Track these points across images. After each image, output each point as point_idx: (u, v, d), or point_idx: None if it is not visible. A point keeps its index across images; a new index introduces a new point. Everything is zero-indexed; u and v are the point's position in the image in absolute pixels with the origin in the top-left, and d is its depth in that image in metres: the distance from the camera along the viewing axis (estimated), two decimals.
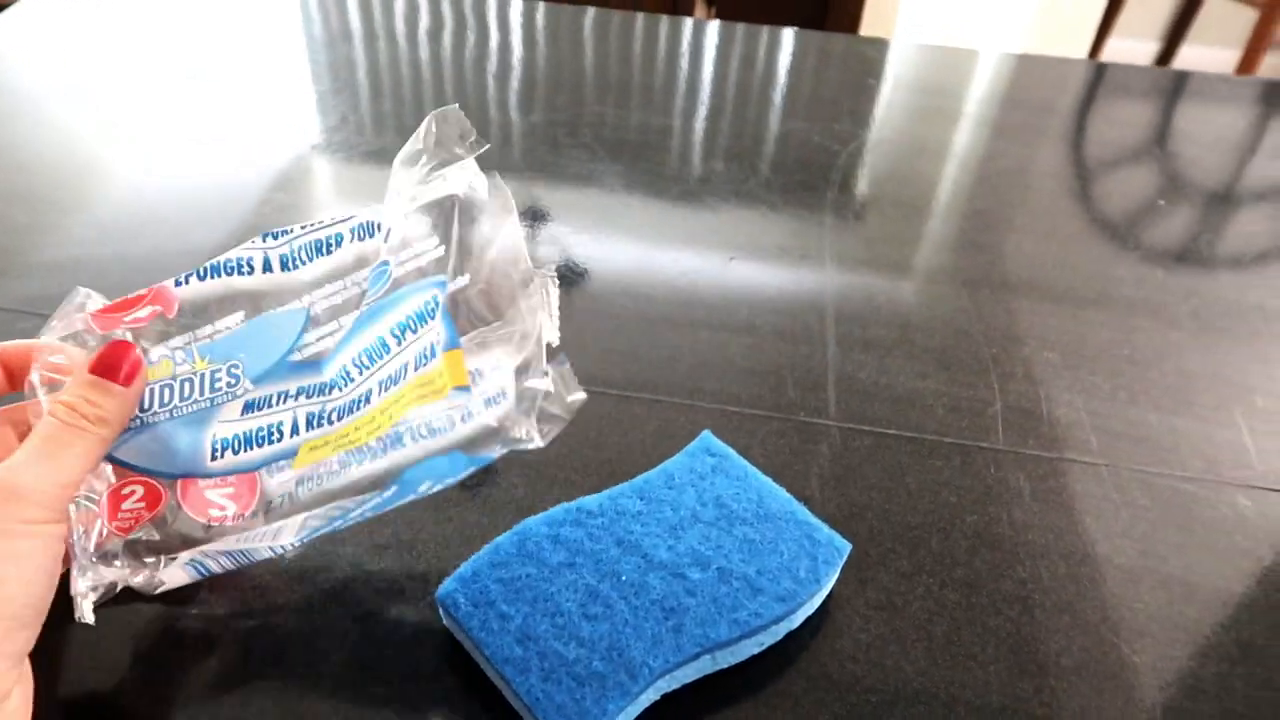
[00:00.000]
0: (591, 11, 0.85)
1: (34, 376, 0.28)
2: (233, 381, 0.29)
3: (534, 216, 0.57)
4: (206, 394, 0.29)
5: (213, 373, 0.29)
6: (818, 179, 0.63)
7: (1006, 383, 0.47)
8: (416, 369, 0.32)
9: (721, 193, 0.61)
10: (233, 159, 0.62)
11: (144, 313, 0.29)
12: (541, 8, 0.86)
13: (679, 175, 0.62)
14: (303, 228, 0.31)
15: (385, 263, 0.31)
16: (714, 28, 0.84)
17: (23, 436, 0.30)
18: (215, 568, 0.31)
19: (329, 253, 0.31)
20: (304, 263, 0.31)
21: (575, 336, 0.40)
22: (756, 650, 0.33)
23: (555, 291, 0.34)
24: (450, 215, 0.33)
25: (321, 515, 0.32)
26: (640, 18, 0.85)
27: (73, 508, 0.28)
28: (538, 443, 0.35)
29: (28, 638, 0.26)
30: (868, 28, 1.82)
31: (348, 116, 0.67)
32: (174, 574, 0.31)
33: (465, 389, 0.34)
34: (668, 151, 0.65)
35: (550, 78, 0.74)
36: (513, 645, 0.31)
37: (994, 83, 0.79)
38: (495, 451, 0.34)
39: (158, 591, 0.31)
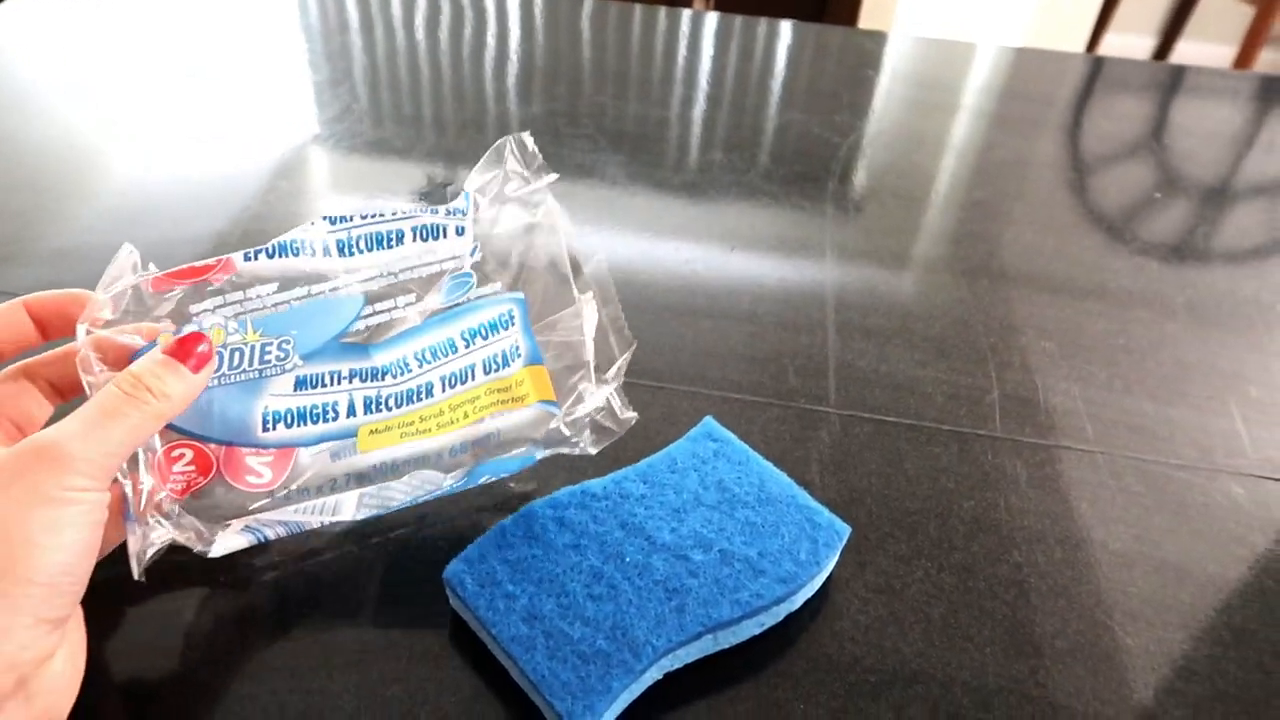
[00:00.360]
0: (589, 2, 0.86)
1: (81, 332, 0.29)
2: (282, 355, 0.31)
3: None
4: (256, 364, 0.30)
5: (263, 345, 0.31)
6: (818, 170, 0.63)
7: (1004, 371, 0.47)
8: (487, 373, 0.34)
9: (722, 183, 0.61)
10: (233, 152, 0.62)
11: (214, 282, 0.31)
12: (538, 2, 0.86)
13: (679, 166, 0.63)
14: (363, 217, 0.32)
15: (469, 274, 0.34)
16: (713, 19, 0.84)
17: (47, 390, 0.32)
18: (271, 535, 0.32)
19: (389, 247, 0.33)
20: (361, 251, 0.32)
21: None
22: (758, 630, 0.34)
23: (593, 315, 0.36)
24: (525, 240, 0.35)
25: (377, 496, 0.33)
26: (638, 9, 0.85)
27: (125, 467, 0.29)
28: (590, 451, 0.36)
29: (66, 603, 0.26)
30: (866, 21, 1.83)
31: (350, 106, 0.67)
32: (232, 539, 0.31)
33: (554, 404, 0.35)
34: (667, 142, 0.66)
35: (549, 68, 0.75)
36: (519, 624, 0.31)
37: (992, 76, 0.79)
38: (544, 451, 0.36)
39: (212, 555, 0.31)
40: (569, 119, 0.67)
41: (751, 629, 0.33)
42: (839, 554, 0.36)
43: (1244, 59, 2.25)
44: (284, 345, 0.31)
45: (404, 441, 0.33)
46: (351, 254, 0.32)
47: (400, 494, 0.33)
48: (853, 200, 0.60)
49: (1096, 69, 0.82)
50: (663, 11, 0.84)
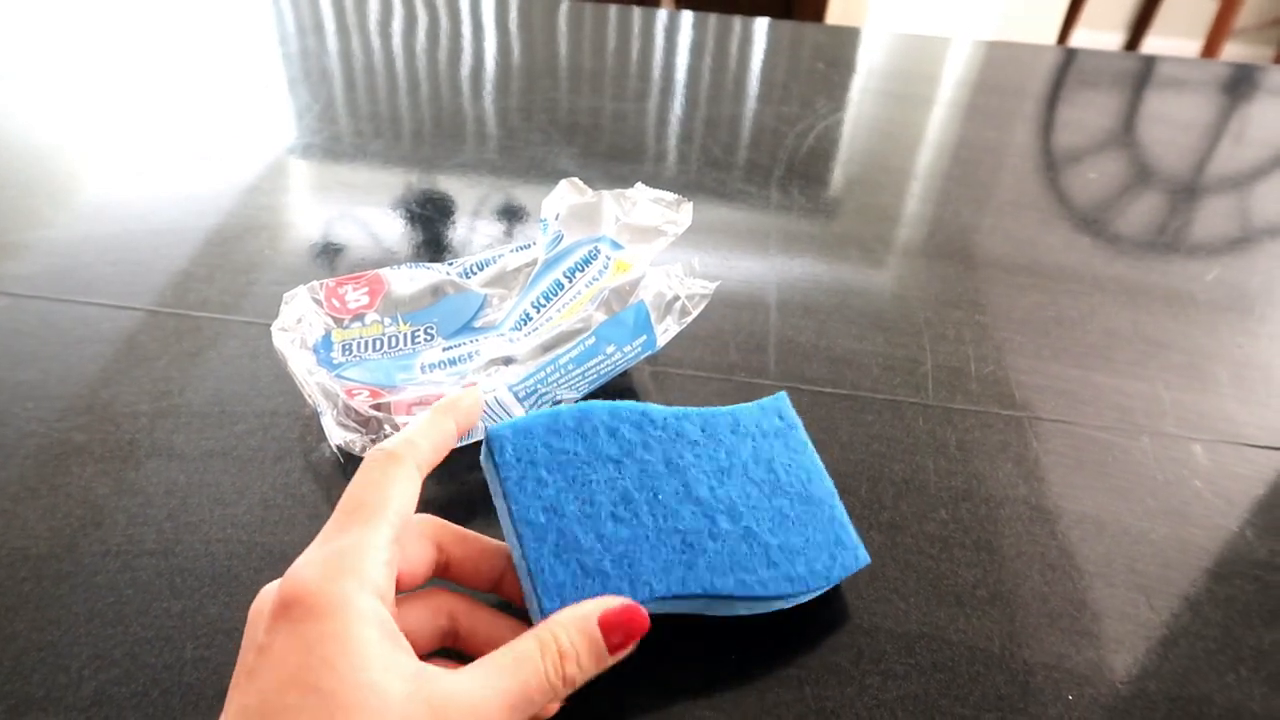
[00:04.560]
0: (564, 4, 0.87)
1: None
2: (429, 338, 0.44)
3: (511, 215, 0.59)
4: (409, 345, 0.43)
5: (413, 331, 0.44)
6: (766, 158, 0.65)
7: (938, 344, 0.49)
8: (588, 286, 0.43)
9: (674, 170, 0.63)
10: (210, 160, 0.63)
11: (367, 288, 0.44)
12: (514, 2, 0.88)
13: (640, 154, 0.65)
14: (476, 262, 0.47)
15: (559, 233, 0.45)
16: (687, 19, 0.86)
17: (445, 558, 0.32)
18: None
19: (494, 263, 0.47)
20: (475, 273, 0.46)
21: None
22: (744, 613, 0.34)
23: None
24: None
25: (528, 377, 0.40)
26: (613, 10, 0.87)
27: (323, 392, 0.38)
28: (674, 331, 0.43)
29: None
30: (834, 19, 1.85)
31: (327, 112, 0.69)
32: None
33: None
34: (623, 135, 0.67)
35: (526, 70, 0.76)
36: (539, 511, 0.31)
37: (953, 68, 0.81)
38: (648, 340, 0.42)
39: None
40: (524, 114, 0.69)
41: (740, 611, 0.34)
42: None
43: (1209, 52, 2.30)
44: (429, 330, 0.44)
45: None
46: (472, 275, 0.47)
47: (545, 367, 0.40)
48: (798, 185, 0.62)
49: (1036, 57, 0.84)
50: (637, 12, 0.86)
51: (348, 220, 0.57)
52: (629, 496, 0.32)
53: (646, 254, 0.43)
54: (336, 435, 0.38)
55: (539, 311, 0.43)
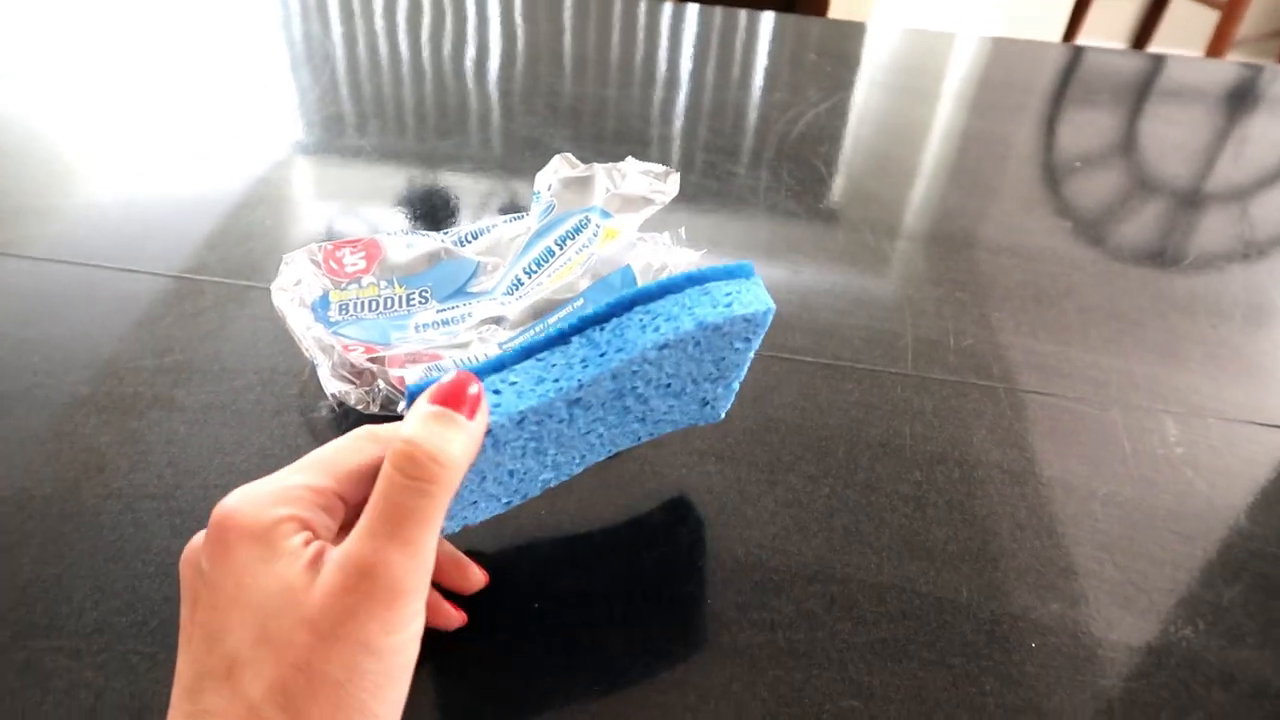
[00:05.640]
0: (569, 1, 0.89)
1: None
2: (423, 300, 0.45)
3: (508, 193, 0.60)
4: (404, 307, 0.45)
5: (408, 294, 0.45)
6: (758, 144, 0.67)
7: (919, 318, 0.51)
8: (578, 252, 0.44)
9: (672, 151, 0.64)
10: (215, 158, 0.65)
11: (364, 252, 0.46)
12: None
13: (636, 138, 0.66)
14: (470, 231, 0.49)
15: (551, 203, 0.46)
16: (692, 11, 0.87)
17: None
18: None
19: (488, 233, 0.49)
20: (470, 242, 0.48)
21: None
22: (655, 338, 0.29)
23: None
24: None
25: (517, 336, 0.42)
26: (618, 2, 0.88)
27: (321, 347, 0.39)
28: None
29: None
30: (837, 14, 1.87)
31: (333, 109, 0.70)
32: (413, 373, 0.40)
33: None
34: (624, 121, 0.69)
35: (530, 62, 0.78)
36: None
37: (939, 59, 0.83)
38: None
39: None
40: (523, 97, 0.70)
41: (636, 329, 0.29)
42: (750, 282, 0.31)
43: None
44: (424, 294, 0.45)
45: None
46: (467, 244, 0.48)
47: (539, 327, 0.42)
48: (788, 167, 0.64)
49: (1015, 50, 0.86)
50: (643, 4, 0.88)
51: (346, 196, 0.59)
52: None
53: (634, 221, 0.45)
54: (332, 385, 0.39)
55: (530, 277, 0.45)
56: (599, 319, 0.29)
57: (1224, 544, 0.40)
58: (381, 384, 0.39)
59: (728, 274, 0.30)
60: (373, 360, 0.39)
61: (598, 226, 0.45)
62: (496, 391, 0.28)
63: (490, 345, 0.41)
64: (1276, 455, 0.44)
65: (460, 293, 0.46)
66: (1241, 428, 0.45)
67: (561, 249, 0.45)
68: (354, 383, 0.39)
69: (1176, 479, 0.42)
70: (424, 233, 0.48)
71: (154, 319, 0.47)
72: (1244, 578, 0.38)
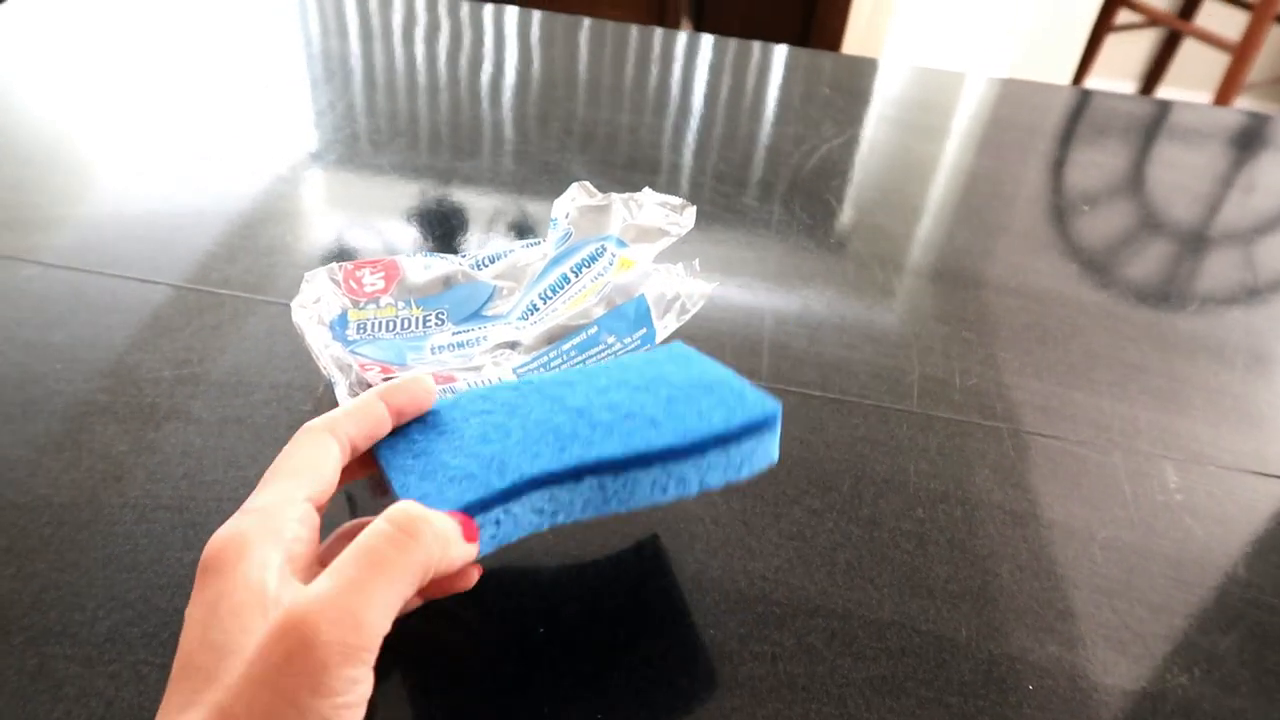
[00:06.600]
0: (587, 23, 0.91)
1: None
2: (439, 323, 0.46)
3: (523, 217, 0.61)
4: (420, 328, 0.45)
5: (424, 315, 0.46)
6: (771, 175, 0.68)
7: (926, 356, 0.51)
8: (593, 281, 0.46)
9: (683, 182, 0.65)
10: (228, 169, 0.66)
11: (383, 273, 0.46)
12: (536, 18, 0.91)
13: (649, 166, 0.67)
14: (486, 256, 0.49)
15: (569, 230, 0.48)
16: (707, 41, 0.89)
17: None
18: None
19: (505, 257, 0.49)
20: (486, 265, 0.48)
21: None
22: (659, 497, 0.31)
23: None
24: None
25: (531, 361, 0.42)
26: (635, 29, 0.90)
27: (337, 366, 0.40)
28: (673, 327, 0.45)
29: None
30: (850, 49, 1.89)
31: (347, 123, 0.72)
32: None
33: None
34: (637, 148, 0.70)
35: (545, 86, 0.79)
36: (408, 458, 0.30)
37: (950, 97, 0.84)
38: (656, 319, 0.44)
39: None
40: (563, 127, 0.72)
41: (645, 486, 0.30)
42: (767, 435, 0.32)
43: (1220, 104, 2.33)
44: (440, 315, 0.46)
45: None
46: (483, 268, 0.49)
47: (549, 355, 0.43)
48: (800, 203, 0.65)
49: (1043, 96, 0.87)
50: (658, 32, 0.89)
51: (365, 214, 0.60)
52: (500, 426, 0.31)
53: (649, 252, 0.45)
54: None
55: (545, 303, 0.46)
56: (616, 465, 0.30)
57: (1221, 592, 0.40)
58: None
59: (756, 426, 0.31)
60: (388, 380, 0.40)
61: (613, 255, 0.46)
62: (497, 522, 0.29)
63: (505, 369, 0.42)
64: (1275, 505, 0.44)
65: (476, 316, 0.47)
66: (1241, 476, 0.46)
67: (577, 276, 0.46)
68: None
69: (1175, 525, 0.43)
70: (441, 255, 0.49)
71: (174, 330, 0.48)
72: (1240, 626, 0.39)
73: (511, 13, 0.91)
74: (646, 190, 0.49)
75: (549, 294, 0.46)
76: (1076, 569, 0.40)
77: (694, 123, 0.75)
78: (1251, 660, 0.37)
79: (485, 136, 0.69)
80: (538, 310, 0.46)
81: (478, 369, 0.43)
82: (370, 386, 0.40)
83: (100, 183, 0.60)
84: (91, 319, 0.48)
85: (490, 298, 0.48)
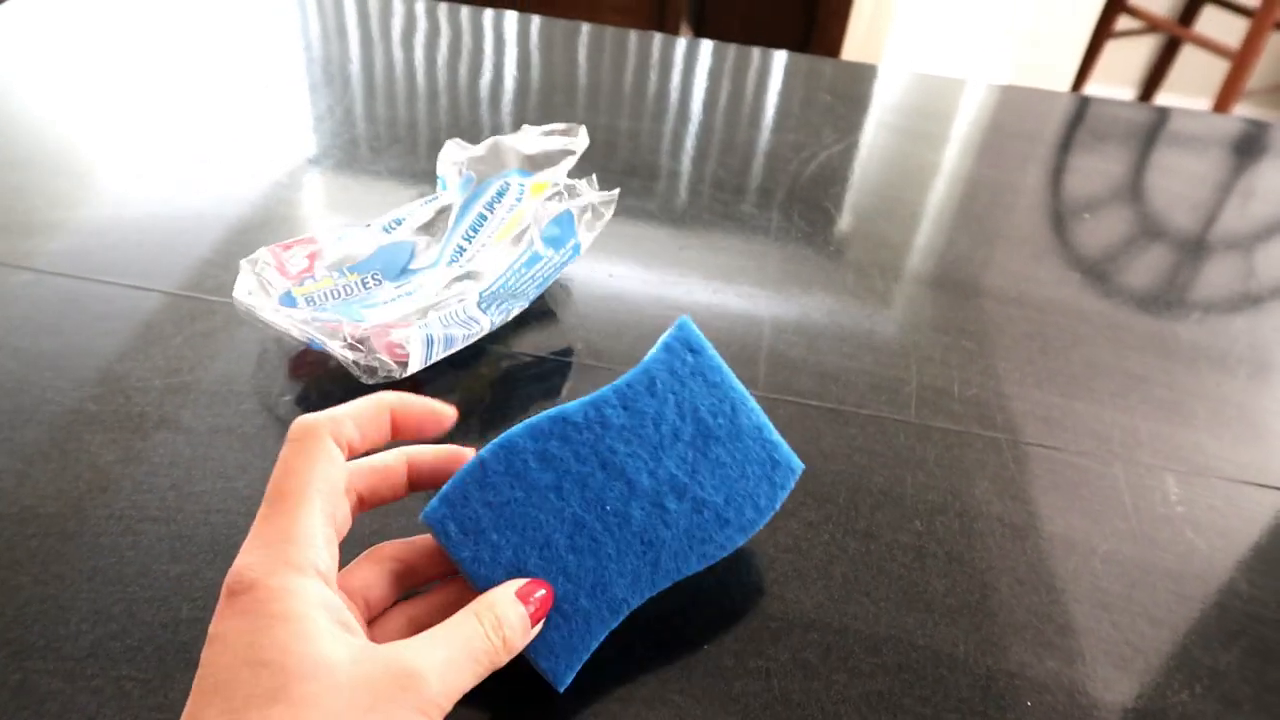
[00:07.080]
0: (586, 28, 0.90)
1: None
2: (376, 282, 0.49)
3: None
4: (360, 291, 0.48)
5: (362, 279, 0.49)
6: (770, 182, 0.67)
7: (925, 366, 0.51)
8: (509, 211, 0.51)
9: (684, 183, 0.65)
10: (226, 172, 0.66)
11: (304, 252, 0.48)
12: (535, 23, 0.90)
13: (651, 170, 0.67)
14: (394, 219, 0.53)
15: (470, 174, 0.53)
16: (706, 47, 0.89)
17: (355, 505, 0.31)
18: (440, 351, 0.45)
19: (410, 217, 0.52)
20: (395, 228, 0.52)
21: (579, 321, 0.45)
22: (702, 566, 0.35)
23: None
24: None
25: (490, 285, 0.47)
26: (634, 35, 0.89)
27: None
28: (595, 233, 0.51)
29: None
30: (850, 55, 1.89)
31: (345, 126, 0.71)
32: (414, 349, 0.44)
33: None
34: (636, 154, 0.70)
35: (544, 91, 0.79)
36: (503, 579, 0.32)
37: (949, 103, 0.84)
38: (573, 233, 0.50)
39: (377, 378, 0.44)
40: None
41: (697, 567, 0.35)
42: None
43: (1219, 112, 2.32)
44: (375, 276, 0.49)
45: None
46: (393, 229, 0.52)
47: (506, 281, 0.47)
48: (799, 210, 0.64)
49: (1024, 98, 0.86)
50: (657, 38, 0.89)
51: (363, 219, 0.59)
52: (580, 522, 0.33)
53: (558, 172, 0.51)
54: (347, 355, 0.43)
55: (470, 242, 0.50)
56: (672, 570, 0.34)
57: (1222, 606, 0.39)
58: (381, 355, 0.43)
59: (787, 486, 0.37)
60: (372, 329, 0.44)
61: (521, 185, 0.51)
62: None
63: (469, 301, 0.46)
64: (1277, 518, 0.44)
65: (406, 271, 0.50)
66: (1242, 488, 0.45)
67: (492, 212, 0.51)
68: (360, 349, 0.43)
69: (1177, 538, 0.42)
70: (350, 224, 0.52)
71: (165, 337, 0.47)
72: (1241, 641, 0.38)
73: (511, 18, 0.90)
74: (525, 126, 0.54)
75: (470, 234, 0.51)
76: (1076, 582, 0.40)
77: (693, 129, 0.74)
78: (1254, 676, 0.37)
79: (482, 140, 0.69)
80: (465, 251, 0.50)
81: (438, 305, 0.47)
82: (365, 340, 0.43)
83: (99, 186, 0.59)
84: (84, 326, 0.47)
85: (412, 254, 0.51)
